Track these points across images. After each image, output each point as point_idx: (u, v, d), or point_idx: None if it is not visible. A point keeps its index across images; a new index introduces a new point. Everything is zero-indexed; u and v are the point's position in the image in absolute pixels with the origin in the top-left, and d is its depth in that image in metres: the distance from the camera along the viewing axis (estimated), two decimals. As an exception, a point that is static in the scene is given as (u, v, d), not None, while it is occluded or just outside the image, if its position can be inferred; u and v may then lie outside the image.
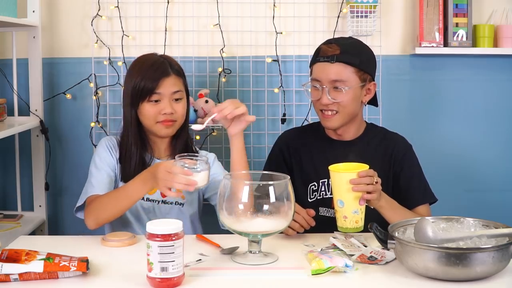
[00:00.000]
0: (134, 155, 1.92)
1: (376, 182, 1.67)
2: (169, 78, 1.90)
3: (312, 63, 1.98)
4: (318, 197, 1.99)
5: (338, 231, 1.69)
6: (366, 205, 1.67)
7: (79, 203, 1.87)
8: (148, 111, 1.90)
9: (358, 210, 1.65)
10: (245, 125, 1.82)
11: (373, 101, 2.04)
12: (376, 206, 1.75)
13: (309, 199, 2.00)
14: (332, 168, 1.67)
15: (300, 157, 2.04)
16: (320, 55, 1.93)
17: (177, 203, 1.96)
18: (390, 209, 1.78)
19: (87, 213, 1.82)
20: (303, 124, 2.14)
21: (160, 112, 1.90)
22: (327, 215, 1.97)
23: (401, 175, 1.97)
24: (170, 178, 1.58)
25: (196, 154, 1.67)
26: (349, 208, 1.64)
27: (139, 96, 1.89)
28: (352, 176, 1.63)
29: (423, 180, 2.00)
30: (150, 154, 1.98)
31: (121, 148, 1.96)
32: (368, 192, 1.65)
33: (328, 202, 1.96)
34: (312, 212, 1.78)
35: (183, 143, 2.00)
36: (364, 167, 1.66)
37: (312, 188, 2.00)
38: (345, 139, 2.01)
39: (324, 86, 1.90)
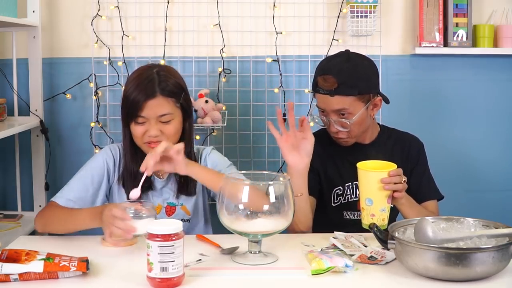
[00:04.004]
0: (129, 165, 1.86)
1: (404, 181, 1.70)
2: (154, 100, 1.75)
3: (314, 90, 1.96)
4: (343, 201, 2.01)
5: (364, 228, 1.70)
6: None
7: (55, 198, 1.82)
8: (136, 131, 1.80)
9: (386, 208, 1.67)
10: (179, 158, 1.67)
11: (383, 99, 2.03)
12: (398, 204, 1.78)
13: (332, 203, 2.01)
14: (361, 166, 1.68)
15: (323, 161, 2.02)
16: (319, 87, 1.91)
17: (183, 220, 1.87)
18: (409, 206, 1.81)
19: (40, 215, 1.82)
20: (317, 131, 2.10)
21: (146, 133, 1.79)
22: (353, 218, 1.99)
23: (414, 171, 2.01)
24: (111, 221, 1.54)
25: (147, 202, 1.63)
26: (377, 206, 1.66)
27: (127, 115, 1.80)
28: (383, 175, 1.65)
29: (431, 178, 2.05)
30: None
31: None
32: (395, 191, 1.67)
33: (353, 206, 1.98)
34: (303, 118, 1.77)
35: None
36: (392, 165, 1.68)
37: (337, 192, 2.01)
38: (363, 143, 2.02)
39: (330, 119, 1.92)
